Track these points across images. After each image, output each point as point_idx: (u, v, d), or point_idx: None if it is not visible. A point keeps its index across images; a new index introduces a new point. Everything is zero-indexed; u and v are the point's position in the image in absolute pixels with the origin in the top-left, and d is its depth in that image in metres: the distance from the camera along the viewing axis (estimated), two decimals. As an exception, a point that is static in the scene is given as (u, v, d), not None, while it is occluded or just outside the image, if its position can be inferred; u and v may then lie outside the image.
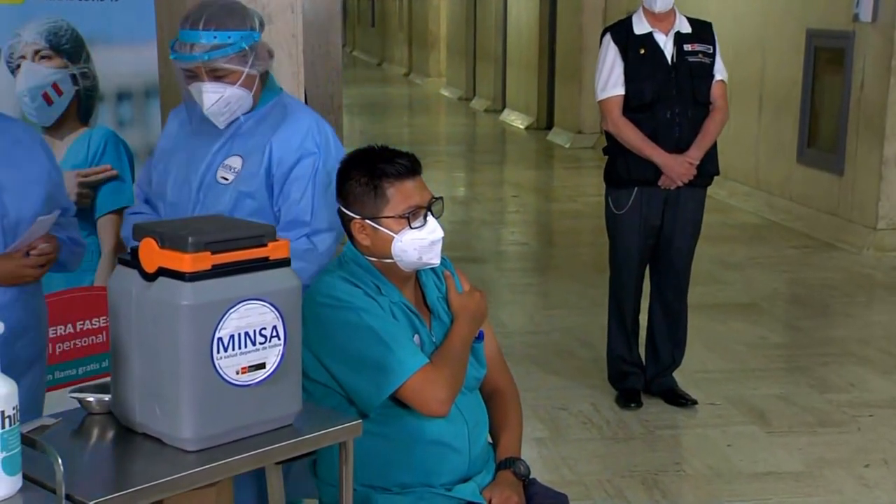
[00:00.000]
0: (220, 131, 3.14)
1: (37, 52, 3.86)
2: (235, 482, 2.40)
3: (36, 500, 2.01)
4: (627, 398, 5.33)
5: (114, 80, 4.14)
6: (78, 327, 4.08)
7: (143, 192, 3.38)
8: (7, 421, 1.99)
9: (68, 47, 3.92)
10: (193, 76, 3.02)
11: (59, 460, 1.98)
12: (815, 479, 4.58)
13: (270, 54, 3.16)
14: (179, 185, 3.18)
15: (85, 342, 4.13)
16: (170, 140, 3.30)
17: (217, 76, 3.01)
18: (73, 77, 3.93)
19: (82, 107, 4.02)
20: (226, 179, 3.11)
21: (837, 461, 4.75)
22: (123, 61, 4.13)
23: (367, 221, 2.74)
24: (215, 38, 2.97)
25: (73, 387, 2.61)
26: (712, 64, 5.10)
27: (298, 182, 3.11)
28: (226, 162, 3.13)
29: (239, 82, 3.03)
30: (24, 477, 2.05)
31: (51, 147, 3.28)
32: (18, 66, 3.81)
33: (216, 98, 3.02)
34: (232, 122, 3.14)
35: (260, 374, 2.28)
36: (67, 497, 2.00)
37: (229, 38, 2.98)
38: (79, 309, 3.93)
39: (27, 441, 2.06)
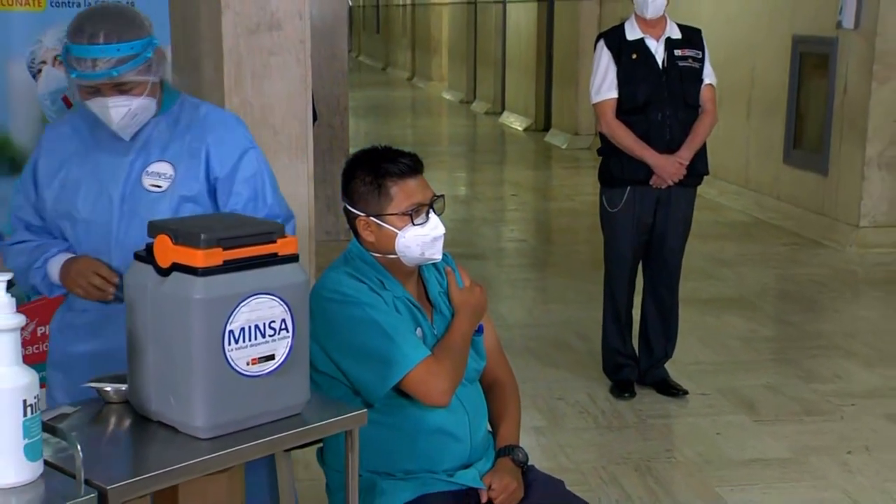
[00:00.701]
0: (127, 141, 2.85)
1: (56, 57, 3.87)
2: (247, 468, 2.41)
3: (56, 485, 2.01)
4: (622, 389, 5.34)
5: (129, 83, 4.14)
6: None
7: (22, 220, 2.98)
8: (29, 409, 1.99)
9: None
10: (95, 91, 2.72)
11: (79, 447, 1.99)
12: (801, 465, 4.59)
13: (165, 57, 2.93)
14: (94, 201, 2.85)
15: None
16: (56, 157, 2.90)
17: (123, 89, 2.72)
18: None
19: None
20: (158, 187, 2.85)
21: (822, 448, 4.75)
22: (138, 66, 4.13)
23: (372, 218, 2.75)
24: (119, 50, 2.67)
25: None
26: (702, 68, 5.11)
27: (252, 180, 2.94)
28: (150, 170, 2.86)
29: (146, 92, 2.77)
30: (45, 463, 2.05)
31: None
32: (40, 70, 3.82)
33: (124, 112, 2.74)
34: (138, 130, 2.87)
35: (269, 366, 2.28)
36: (86, 482, 2.00)
37: (132, 48, 2.69)
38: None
39: (48, 428, 2.06)
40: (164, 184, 2.85)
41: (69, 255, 2.86)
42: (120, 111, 2.73)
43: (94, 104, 2.73)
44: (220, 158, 2.90)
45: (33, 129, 3.72)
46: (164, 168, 2.86)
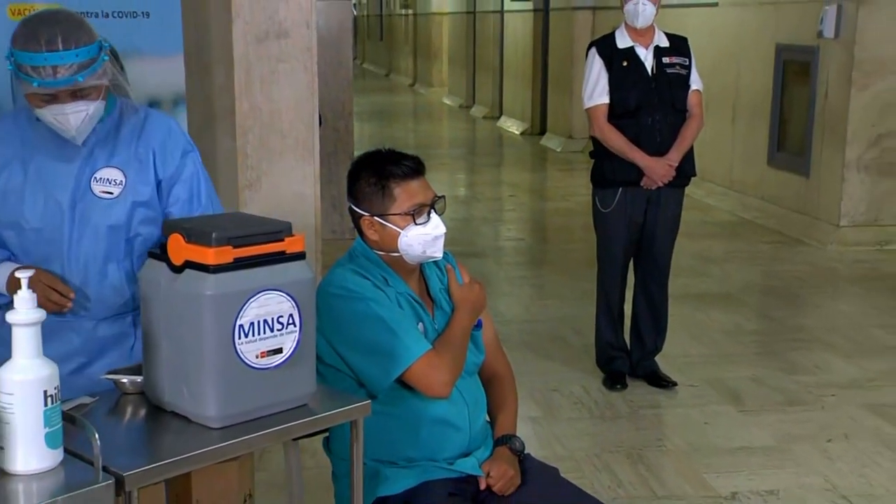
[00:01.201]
0: (72, 146, 2.66)
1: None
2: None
3: (76, 472, 2.01)
4: (614, 380, 5.34)
5: (144, 89, 4.14)
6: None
7: None
8: (49, 399, 1.99)
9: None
10: (51, 99, 2.52)
11: (97, 435, 1.99)
12: (784, 453, 4.59)
13: (115, 56, 2.72)
14: (42, 209, 2.67)
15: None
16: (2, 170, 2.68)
17: (80, 95, 2.54)
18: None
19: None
20: (109, 193, 2.69)
21: (803, 437, 4.76)
22: (153, 72, 4.13)
23: (376, 218, 2.74)
24: (77, 56, 2.49)
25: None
26: (689, 75, 5.12)
27: (189, 182, 2.82)
28: (99, 176, 2.69)
29: (101, 96, 2.60)
30: (65, 450, 2.05)
31: None
32: None
33: (83, 117, 2.57)
34: None
35: (277, 359, 2.28)
36: (104, 469, 2.00)
37: (89, 52, 2.52)
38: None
39: (68, 418, 2.06)
40: (116, 190, 2.71)
41: (14, 265, 2.67)
42: (79, 116, 2.56)
43: (50, 111, 2.55)
44: (164, 161, 2.78)
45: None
46: (113, 174, 2.70)
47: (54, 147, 2.66)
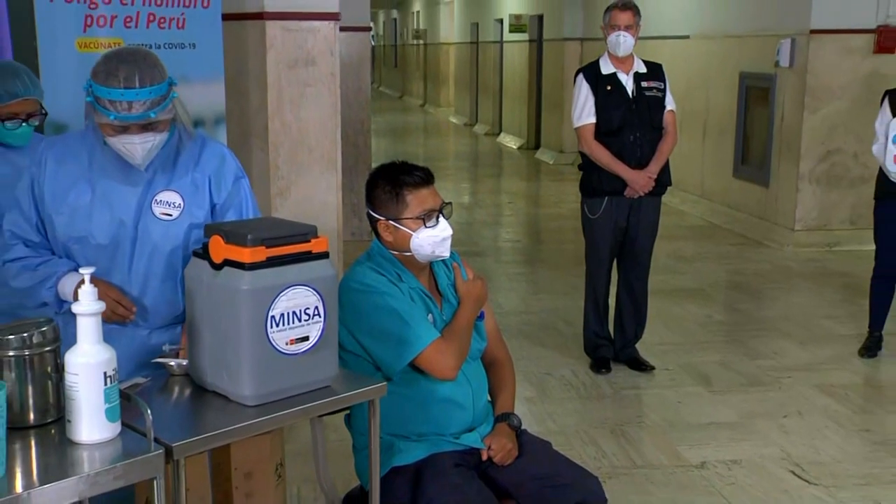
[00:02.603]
0: (136, 170, 2.59)
1: None
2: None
3: (131, 442, 2.01)
4: (599, 365, 5.33)
5: (190, 110, 4.13)
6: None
7: (19, 237, 2.64)
8: (108, 379, 2.00)
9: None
10: (123, 130, 2.48)
11: (149, 411, 1.99)
12: (746, 427, 4.59)
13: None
14: (107, 226, 2.60)
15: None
16: (62, 181, 2.61)
17: (149, 127, 2.49)
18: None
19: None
20: (168, 215, 2.63)
21: (763, 413, 4.76)
22: (198, 95, 4.14)
23: (391, 222, 2.74)
24: (151, 93, 2.45)
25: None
26: (664, 97, 5.11)
27: (240, 207, 2.75)
28: (159, 198, 2.63)
29: (167, 128, 2.56)
30: (122, 424, 2.05)
31: None
32: None
33: (149, 147, 2.52)
34: None
35: (304, 345, 2.28)
36: (155, 440, 2.00)
37: (161, 90, 2.47)
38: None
39: (124, 395, 2.06)
40: (175, 212, 2.64)
41: (80, 276, 2.50)
42: (146, 147, 2.51)
43: (120, 140, 2.50)
44: (218, 187, 2.72)
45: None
46: (172, 197, 2.64)
47: (119, 170, 2.60)
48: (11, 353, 2.01)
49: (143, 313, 2.66)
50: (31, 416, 2.06)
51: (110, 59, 2.49)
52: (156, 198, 2.63)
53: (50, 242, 2.65)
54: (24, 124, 3.10)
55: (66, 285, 2.58)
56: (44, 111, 3.17)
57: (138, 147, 2.51)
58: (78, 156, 2.62)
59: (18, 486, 1.83)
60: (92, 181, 2.60)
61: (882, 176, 5.29)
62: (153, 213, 2.62)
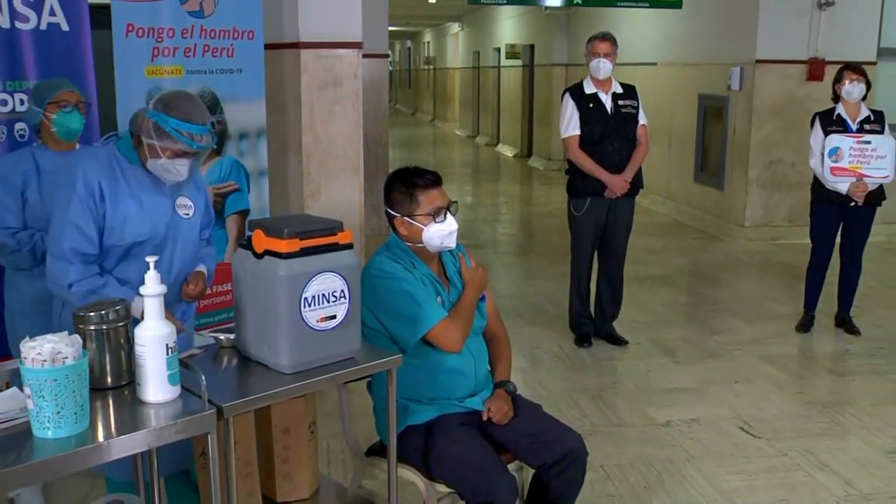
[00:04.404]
0: (162, 183, 2.68)
1: None
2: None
3: (189, 403, 2.02)
4: (582, 340, 5.33)
5: (237, 125, 4.15)
6: (214, 290, 4.10)
7: (79, 254, 2.59)
8: (169, 350, 2.01)
9: (209, 104, 3.93)
10: (176, 155, 2.57)
11: (203, 377, 2.00)
12: (704, 392, 4.60)
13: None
14: (155, 228, 2.69)
15: (218, 300, 4.14)
16: (114, 195, 2.62)
17: (192, 154, 2.61)
18: (212, 123, 3.91)
19: (217, 143, 4.03)
20: (188, 215, 2.77)
21: (719, 380, 4.76)
22: (243, 112, 4.15)
23: (405, 218, 2.73)
24: (208, 130, 2.60)
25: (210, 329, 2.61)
26: (637, 113, 5.10)
27: (208, 213, 2.93)
28: (179, 203, 2.75)
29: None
30: (182, 387, 2.06)
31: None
32: None
33: (188, 168, 2.63)
34: None
35: (332, 323, 2.27)
36: (209, 401, 2.01)
37: (211, 127, 2.62)
38: (215, 278, 3.93)
39: (182, 364, 2.07)
40: (191, 212, 2.79)
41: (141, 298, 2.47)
42: (188, 168, 2.63)
43: (172, 163, 2.59)
44: (203, 194, 2.89)
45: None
46: (187, 201, 2.78)
47: (152, 184, 2.67)
48: (92, 328, 2.04)
49: (176, 290, 2.77)
50: (109, 379, 2.08)
51: (179, 99, 2.60)
52: (177, 202, 2.76)
53: (103, 252, 2.65)
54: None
55: (135, 309, 2.53)
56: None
57: (183, 169, 2.62)
58: (112, 173, 2.63)
59: (100, 436, 1.85)
60: (135, 195, 2.65)
61: (817, 183, 5.31)
62: (178, 214, 2.75)
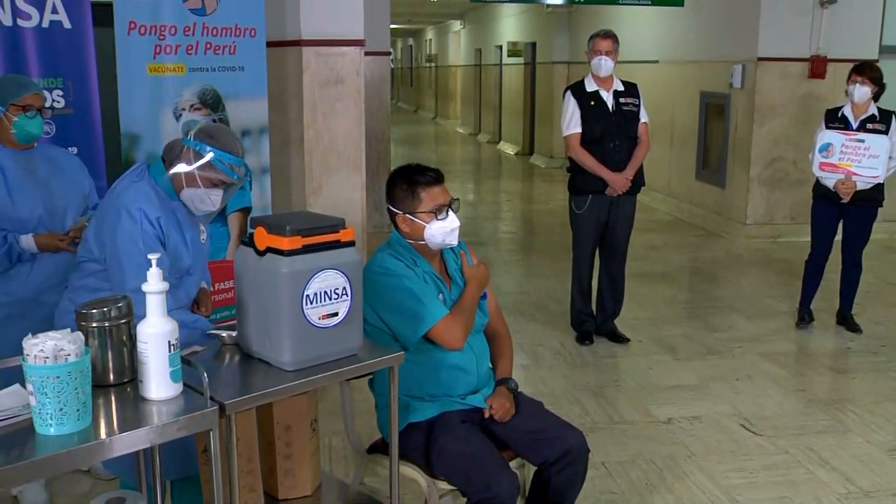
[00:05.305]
0: (193, 214, 2.72)
1: (192, 105, 3.87)
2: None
3: (191, 400, 2.02)
4: (583, 337, 5.32)
5: (239, 122, 4.14)
6: (216, 287, 4.09)
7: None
8: (172, 347, 2.01)
9: (212, 102, 3.94)
10: (215, 185, 2.61)
11: (205, 374, 2.00)
12: (705, 389, 4.59)
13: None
14: (194, 256, 2.75)
15: (220, 297, 4.14)
16: (165, 231, 2.64)
17: (224, 184, 2.64)
18: (215, 121, 3.91)
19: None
20: (204, 240, 2.83)
21: (719, 377, 4.76)
22: (246, 109, 4.14)
23: (407, 215, 2.73)
24: (244, 162, 2.64)
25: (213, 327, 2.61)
26: (638, 111, 5.09)
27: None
28: (200, 229, 2.82)
29: None
30: (184, 384, 2.06)
31: None
32: (180, 115, 3.82)
33: (220, 199, 2.67)
34: None
35: (334, 320, 2.26)
36: (211, 398, 2.01)
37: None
38: (217, 275, 3.94)
39: (185, 361, 2.07)
40: (205, 236, 2.83)
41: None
42: (220, 199, 2.66)
43: (208, 193, 2.62)
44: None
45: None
46: (203, 227, 2.82)
47: (188, 216, 2.70)
48: (94, 325, 2.04)
49: (189, 298, 2.81)
50: (111, 376, 2.07)
51: (223, 131, 2.66)
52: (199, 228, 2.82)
53: None
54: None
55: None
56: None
57: (218, 199, 2.64)
58: (162, 210, 2.63)
59: (102, 433, 1.85)
60: (179, 229, 2.67)
61: (818, 180, 5.31)
62: (200, 239, 2.80)
